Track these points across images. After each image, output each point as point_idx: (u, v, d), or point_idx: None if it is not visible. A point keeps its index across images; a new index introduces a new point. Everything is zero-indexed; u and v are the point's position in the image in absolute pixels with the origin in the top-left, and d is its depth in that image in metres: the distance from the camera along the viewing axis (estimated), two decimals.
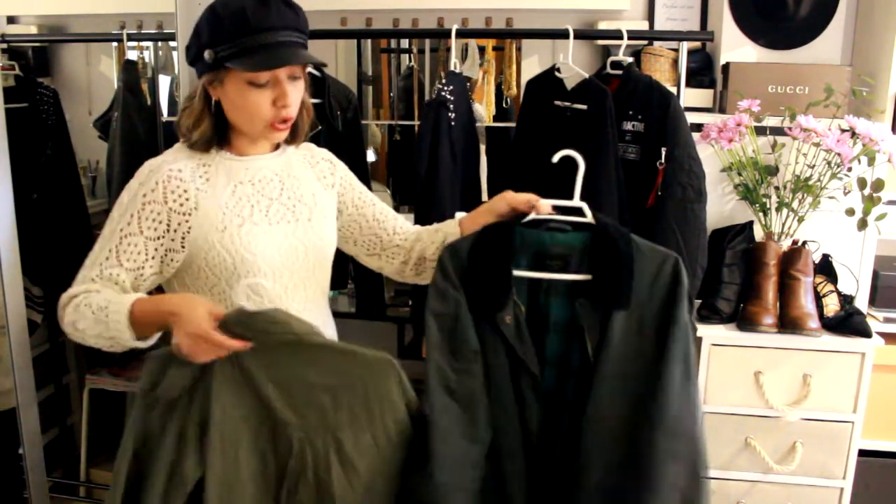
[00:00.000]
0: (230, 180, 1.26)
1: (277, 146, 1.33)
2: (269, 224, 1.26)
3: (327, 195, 1.37)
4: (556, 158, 1.24)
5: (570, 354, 1.20)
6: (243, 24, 1.15)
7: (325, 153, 1.41)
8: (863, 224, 1.85)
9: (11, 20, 2.61)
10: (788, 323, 1.82)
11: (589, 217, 1.21)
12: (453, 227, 1.37)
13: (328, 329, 1.37)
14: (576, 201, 1.22)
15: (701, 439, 1.17)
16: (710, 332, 1.86)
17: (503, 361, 1.20)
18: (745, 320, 1.85)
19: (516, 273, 1.20)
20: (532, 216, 1.22)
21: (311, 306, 1.32)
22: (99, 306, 1.15)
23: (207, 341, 1.08)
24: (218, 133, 1.26)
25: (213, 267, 1.23)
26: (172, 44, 2.26)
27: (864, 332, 1.81)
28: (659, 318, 1.17)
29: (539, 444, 1.21)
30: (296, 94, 1.23)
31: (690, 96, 2.19)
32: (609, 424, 1.17)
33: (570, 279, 1.20)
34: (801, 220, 1.90)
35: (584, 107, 1.78)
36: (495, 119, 2.40)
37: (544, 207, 1.23)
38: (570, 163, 1.79)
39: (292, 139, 1.33)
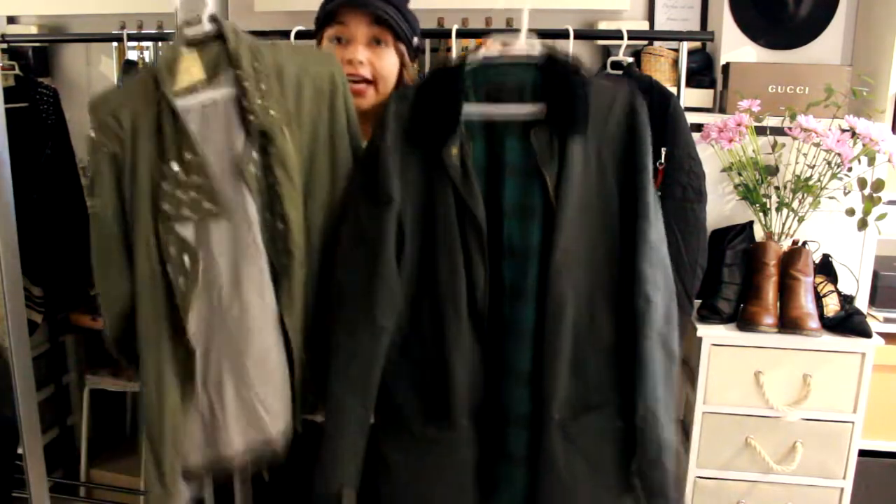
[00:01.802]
0: None
1: None
2: None
3: None
4: None
5: (530, 199, 1.13)
6: None
7: None
8: (863, 224, 1.85)
9: (11, 20, 2.61)
10: (788, 323, 1.82)
11: (539, 51, 1.14)
12: None
13: None
14: (522, 38, 1.15)
15: (671, 273, 1.16)
16: (710, 332, 1.86)
17: (451, 212, 1.13)
18: (745, 320, 1.85)
19: (467, 108, 1.13)
20: (481, 54, 1.15)
21: None
22: None
23: None
24: None
25: None
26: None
27: (864, 332, 1.81)
28: (620, 150, 1.13)
29: (492, 303, 1.14)
30: (376, 59, 1.28)
31: (690, 96, 2.19)
32: (578, 268, 1.12)
33: (523, 112, 1.13)
34: (801, 220, 1.90)
35: None
36: None
37: (493, 45, 1.17)
38: None
39: None
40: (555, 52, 1.14)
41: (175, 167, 1.11)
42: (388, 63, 1.30)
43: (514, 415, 1.16)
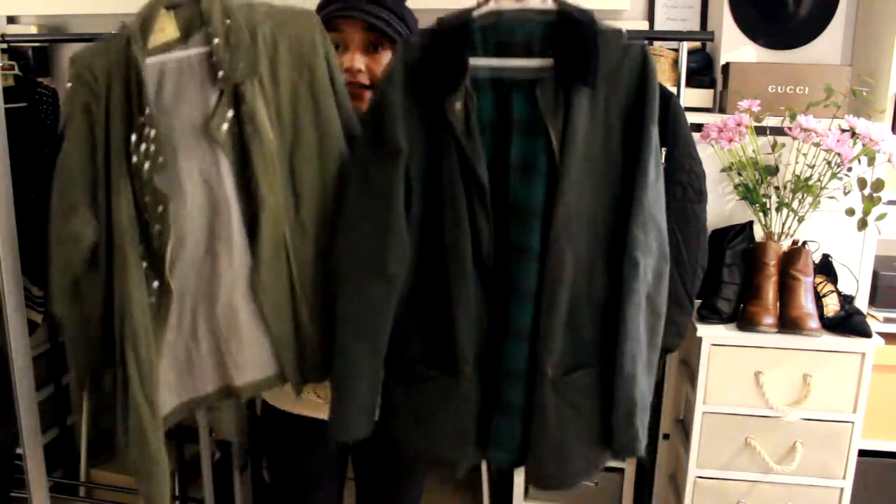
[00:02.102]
0: None
1: None
2: None
3: None
4: None
5: (535, 156, 1.12)
6: None
7: None
8: (863, 224, 1.85)
9: (11, 20, 2.61)
10: (788, 323, 1.82)
11: (551, 5, 1.11)
12: None
13: None
14: None
15: (666, 236, 1.16)
16: (710, 332, 1.86)
17: (455, 168, 1.12)
18: (745, 320, 1.85)
19: (473, 62, 1.11)
20: (489, 6, 1.12)
21: None
22: None
23: None
24: None
25: None
26: None
27: (864, 332, 1.81)
28: (627, 107, 1.10)
29: (497, 260, 1.14)
30: (374, 65, 1.29)
31: (690, 96, 2.19)
32: (581, 227, 1.11)
33: (531, 66, 1.10)
34: (801, 220, 1.90)
35: None
36: None
37: None
38: None
39: None
40: (567, 6, 1.11)
41: (140, 120, 1.14)
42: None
43: (513, 369, 1.16)
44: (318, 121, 1.20)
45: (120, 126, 1.16)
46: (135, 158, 1.15)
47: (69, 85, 1.21)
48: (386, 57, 1.30)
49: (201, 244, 1.19)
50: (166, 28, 1.17)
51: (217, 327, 1.22)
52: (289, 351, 1.24)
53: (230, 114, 1.15)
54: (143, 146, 1.14)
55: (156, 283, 1.20)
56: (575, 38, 1.09)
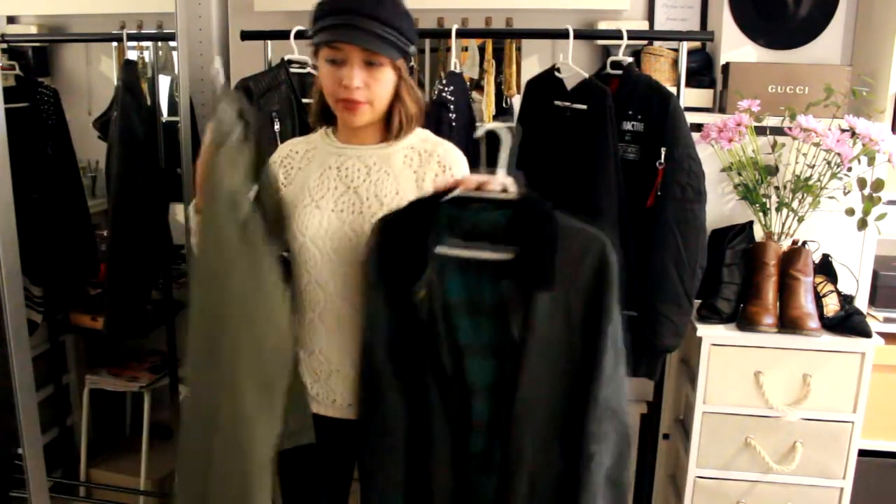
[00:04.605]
0: (323, 164, 1.36)
1: (385, 140, 1.36)
2: (332, 210, 1.33)
3: (413, 196, 1.35)
4: (478, 133, 1.21)
5: (497, 339, 1.18)
6: (331, 4, 1.26)
7: (448, 158, 1.38)
8: (863, 224, 1.85)
9: (11, 20, 2.61)
10: (788, 323, 1.82)
11: (512, 193, 1.16)
12: None
13: None
14: (500, 176, 1.16)
15: (627, 420, 1.20)
16: (710, 332, 1.86)
17: (419, 349, 1.19)
18: (745, 320, 1.85)
19: (439, 250, 1.18)
20: (456, 192, 1.17)
21: (354, 294, 1.33)
22: None
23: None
24: (325, 115, 1.38)
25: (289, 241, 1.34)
26: (172, 44, 2.25)
27: (864, 332, 1.81)
28: (587, 302, 1.15)
29: (457, 433, 1.22)
30: (372, 81, 1.28)
31: (690, 96, 2.19)
32: (538, 408, 1.17)
33: (495, 256, 1.16)
34: (801, 220, 1.90)
35: (583, 107, 1.78)
36: (495, 119, 2.40)
37: (470, 184, 1.18)
38: (570, 162, 1.80)
39: (388, 134, 1.36)
40: (527, 197, 1.15)
41: None
42: (383, 83, 1.29)
43: None
44: None
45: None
46: None
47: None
48: (383, 71, 1.28)
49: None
50: None
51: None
52: None
53: None
54: None
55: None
56: (534, 236, 1.13)
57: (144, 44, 2.48)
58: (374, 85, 1.28)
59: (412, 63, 1.38)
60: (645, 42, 2.24)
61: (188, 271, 1.29)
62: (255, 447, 1.13)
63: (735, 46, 2.28)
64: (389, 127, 1.35)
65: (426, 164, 1.35)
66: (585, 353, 1.16)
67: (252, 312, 1.13)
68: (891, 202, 1.90)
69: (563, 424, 1.17)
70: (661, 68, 2.20)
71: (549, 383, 1.17)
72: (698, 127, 1.96)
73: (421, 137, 1.39)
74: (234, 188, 1.12)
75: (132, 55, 2.44)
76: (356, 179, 1.34)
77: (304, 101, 1.92)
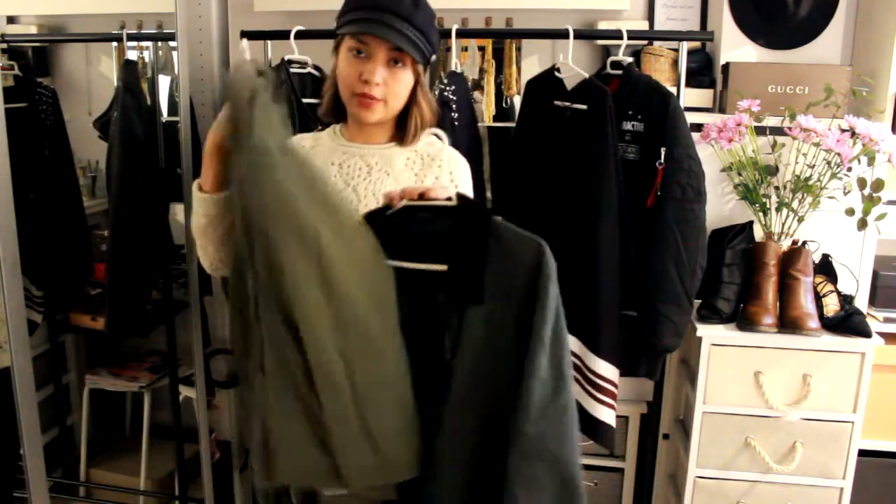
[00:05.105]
0: (326, 160, 1.36)
1: (393, 141, 1.37)
2: None
3: None
4: None
5: (431, 352, 1.12)
6: None
7: (455, 166, 1.38)
8: (863, 224, 1.85)
9: (11, 20, 2.61)
10: (788, 323, 1.82)
11: (453, 202, 1.11)
12: None
13: None
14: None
15: (574, 469, 1.07)
16: (710, 332, 1.86)
17: None
18: (745, 320, 1.85)
19: (389, 263, 1.12)
20: (401, 203, 1.14)
21: None
22: None
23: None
24: (336, 110, 1.37)
25: None
26: (172, 44, 2.25)
27: (864, 332, 1.81)
28: (520, 316, 1.07)
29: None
30: (391, 79, 1.28)
31: (690, 96, 2.19)
32: (465, 435, 1.09)
33: (431, 270, 1.11)
34: (801, 220, 1.91)
35: (583, 107, 1.78)
36: (495, 119, 2.40)
37: (412, 193, 1.14)
38: (570, 162, 1.80)
39: (401, 139, 1.36)
40: (465, 204, 1.11)
41: None
42: (402, 83, 1.30)
43: None
44: None
45: None
46: None
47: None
48: (405, 72, 1.29)
49: None
50: None
51: None
52: None
53: None
54: None
55: None
56: (464, 246, 1.09)
57: (144, 44, 2.48)
58: (393, 84, 1.28)
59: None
60: (645, 42, 2.25)
61: (227, 252, 1.23)
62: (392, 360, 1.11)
63: (735, 46, 2.29)
64: (404, 130, 1.35)
65: (427, 168, 1.35)
66: (515, 377, 1.06)
67: (351, 251, 1.09)
68: (891, 202, 1.90)
69: (489, 463, 1.08)
70: (661, 68, 2.21)
71: (475, 414, 1.08)
72: (698, 127, 1.96)
73: (426, 141, 1.39)
74: (281, 138, 1.08)
75: (132, 55, 2.44)
76: (356, 178, 1.34)
77: (305, 101, 1.92)
